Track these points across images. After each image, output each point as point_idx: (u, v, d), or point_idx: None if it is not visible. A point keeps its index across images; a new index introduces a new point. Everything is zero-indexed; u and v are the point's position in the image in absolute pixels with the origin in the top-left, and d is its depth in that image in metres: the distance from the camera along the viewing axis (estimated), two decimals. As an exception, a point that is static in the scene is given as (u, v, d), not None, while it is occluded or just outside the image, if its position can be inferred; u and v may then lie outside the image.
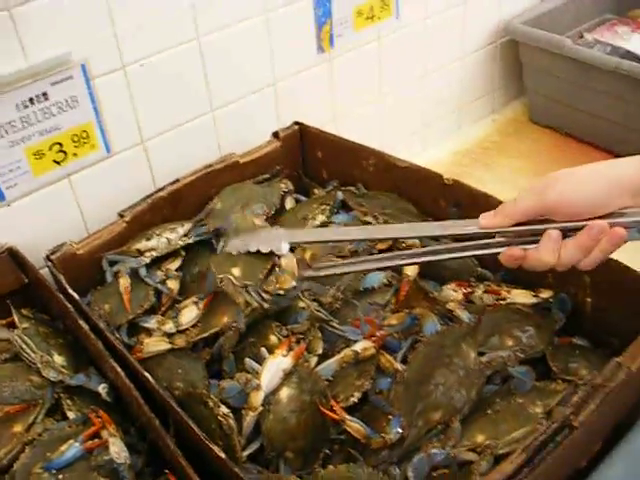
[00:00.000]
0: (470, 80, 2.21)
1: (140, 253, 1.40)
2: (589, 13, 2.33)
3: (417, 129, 2.14)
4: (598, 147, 2.11)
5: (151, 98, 1.48)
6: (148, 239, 1.41)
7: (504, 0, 2.14)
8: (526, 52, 2.18)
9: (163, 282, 1.38)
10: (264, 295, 1.23)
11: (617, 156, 1.98)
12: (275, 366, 1.11)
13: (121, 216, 1.44)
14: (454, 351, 1.14)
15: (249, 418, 1.08)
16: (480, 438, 1.05)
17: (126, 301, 1.33)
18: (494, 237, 0.94)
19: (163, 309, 1.34)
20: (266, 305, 1.22)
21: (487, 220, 0.92)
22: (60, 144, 1.37)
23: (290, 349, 1.14)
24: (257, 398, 1.09)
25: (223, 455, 0.97)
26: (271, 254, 1.20)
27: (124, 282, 1.35)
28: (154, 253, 1.41)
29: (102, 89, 1.39)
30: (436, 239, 1.32)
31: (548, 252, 0.87)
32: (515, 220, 0.91)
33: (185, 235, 1.45)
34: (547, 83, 2.18)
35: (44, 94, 1.31)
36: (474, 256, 0.95)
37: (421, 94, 2.09)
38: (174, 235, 1.43)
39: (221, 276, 1.27)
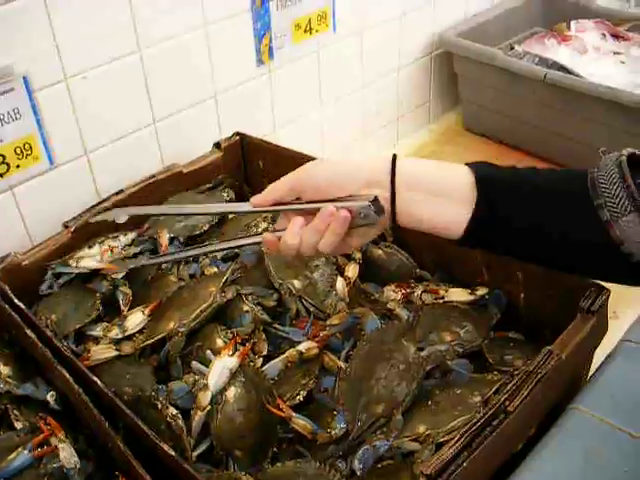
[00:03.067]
0: (407, 91, 2.28)
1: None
2: (519, 26, 2.43)
3: (357, 138, 2.19)
4: (529, 153, 2.20)
5: (94, 110, 1.49)
6: (90, 247, 1.42)
7: (438, 13, 2.22)
8: (460, 63, 2.26)
9: (111, 291, 1.39)
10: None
11: (547, 161, 2.09)
12: (221, 366, 1.13)
13: (66, 227, 1.45)
14: (394, 347, 1.18)
15: (197, 418, 1.10)
16: (422, 428, 1.09)
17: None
18: None
19: (124, 313, 1.34)
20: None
21: (255, 198, 0.99)
22: (3, 156, 1.37)
23: (236, 350, 1.16)
24: (205, 398, 1.11)
25: (173, 453, 0.99)
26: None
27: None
28: (95, 263, 1.41)
29: (45, 101, 1.40)
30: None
31: (292, 235, 0.96)
32: (276, 195, 0.98)
33: (129, 245, 1.47)
34: (480, 93, 2.26)
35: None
36: (249, 244, 1.07)
37: (360, 105, 2.14)
38: (116, 243, 1.44)
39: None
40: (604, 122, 1.93)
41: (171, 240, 1.49)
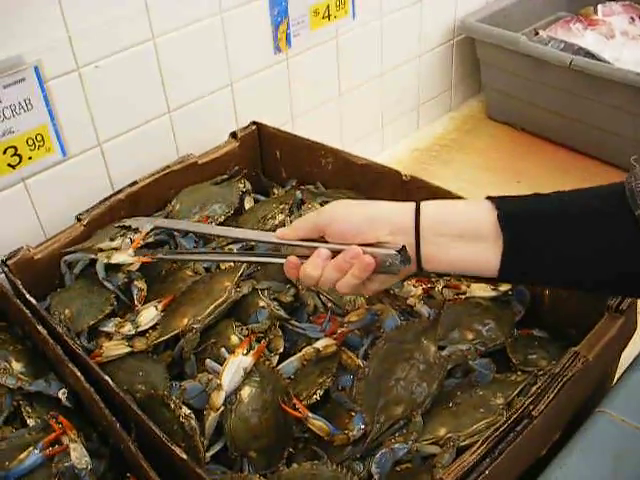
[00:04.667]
0: (428, 78, 2.23)
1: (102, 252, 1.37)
2: (543, 11, 2.37)
3: (376, 127, 2.15)
4: (553, 142, 2.15)
5: (107, 100, 1.47)
6: (112, 239, 1.38)
7: (459, -2, 2.17)
8: (482, 49, 2.21)
9: (126, 284, 1.36)
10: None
11: (572, 150, 2.04)
12: (236, 365, 1.10)
13: (79, 219, 1.42)
14: (414, 346, 1.15)
15: (211, 418, 1.08)
16: (442, 431, 1.06)
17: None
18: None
19: (137, 308, 1.31)
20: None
21: (281, 232, 0.99)
22: (15, 147, 1.35)
23: (250, 348, 1.14)
24: (218, 398, 1.08)
25: (185, 456, 0.97)
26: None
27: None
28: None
29: (57, 91, 1.37)
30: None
31: (314, 267, 0.95)
32: (300, 234, 0.98)
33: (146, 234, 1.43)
34: (503, 80, 2.21)
35: (-5, 96, 1.29)
36: (271, 263, 1.05)
37: (379, 93, 2.10)
38: (137, 235, 1.40)
39: None
40: (632, 111, 1.87)
41: (185, 233, 1.46)
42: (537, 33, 2.17)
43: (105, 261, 1.35)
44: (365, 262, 0.91)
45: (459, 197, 1.28)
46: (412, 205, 0.93)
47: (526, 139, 2.20)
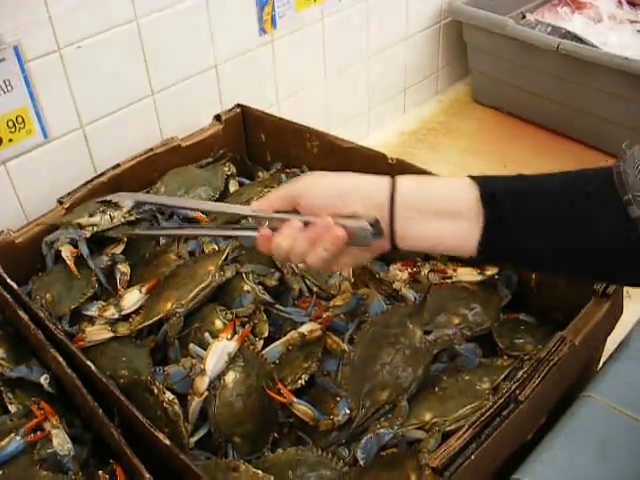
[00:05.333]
0: (414, 61, 2.21)
1: (81, 227, 1.35)
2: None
3: (362, 111, 2.14)
4: (539, 126, 2.14)
5: (89, 81, 1.44)
6: (91, 215, 1.35)
7: (447, -20, 2.15)
8: (469, 32, 2.20)
9: (111, 267, 1.35)
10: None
11: (559, 134, 2.04)
12: (220, 350, 1.09)
13: (60, 203, 1.40)
14: (400, 330, 1.14)
15: (195, 403, 1.07)
16: (428, 416, 1.05)
17: (72, 268, 1.30)
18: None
19: (121, 292, 1.29)
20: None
21: (256, 203, 0.96)
22: (-6, 130, 1.33)
23: (235, 332, 1.12)
24: (202, 383, 1.07)
25: (168, 442, 0.96)
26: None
27: (66, 250, 1.31)
28: (95, 228, 1.35)
29: (37, 72, 1.35)
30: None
31: (284, 237, 0.91)
32: (274, 205, 0.94)
33: (128, 212, 1.42)
34: (490, 63, 2.19)
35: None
36: (246, 236, 0.98)
37: (365, 76, 2.08)
38: (117, 212, 1.38)
39: None
40: (619, 94, 1.86)
41: (170, 215, 1.45)
42: (524, 16, 2.14)
43: (87, 235, 1.34)
44: (335, 234, 0.88)
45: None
46: (388, 179, 0.90)
47: (512, 123, 2.19)
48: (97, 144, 1.51)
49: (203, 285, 1.25)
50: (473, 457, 0.90)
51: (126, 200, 1.08)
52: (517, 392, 0.97)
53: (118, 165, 1.47)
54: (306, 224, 0.91)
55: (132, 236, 1.28)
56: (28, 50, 1.32)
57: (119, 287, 1.31)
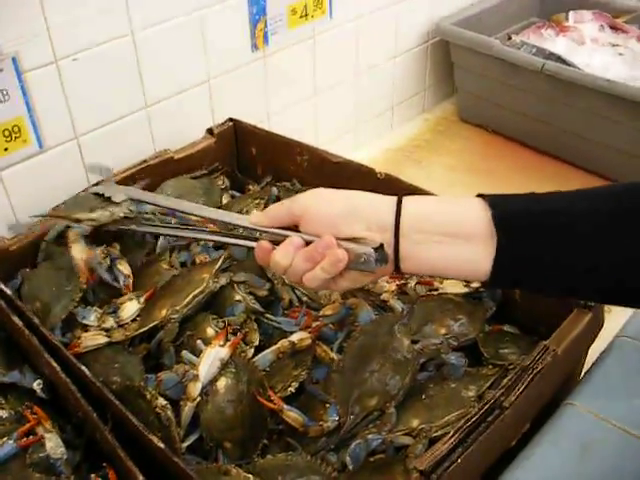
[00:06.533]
0: (402, 79, 2.26)
1: (79, 222, 1.30)
2: (516, 16, 2.42)
3: (350, 127, 2.18)
4: (524, 144, 2.18)
5: (85, 93, 1.47)
6: (92, 210, 1.28)
7: (435, 2, 2.20)
8: (456, 52, 2.25)
9: (108, 267, 1.34)
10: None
11: (543, 154, 2.08)
12: (212, 356, 1.11)
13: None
14: (388, 339, 1.17)
15: (187, 409, 1.09)
16: (415, 422, 1.08)
17: (84, 270, 1.29)
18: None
19: (119, 301, 1.30)
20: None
21: (255, 217, 0.96)
22: (-10, 139, 1.35)
23: (227, 340, 1.15)
24: (195, 388, 1.09)
25: (162, 445, 0.98)
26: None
27: (80, 249, 1.30)
28: (94, 223, 1.35)
29: (34, 83, 1.37)
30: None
31: (284, 254, 0.90)
32: (272, 221, 0.94)
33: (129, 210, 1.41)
34: (476, 83, 2.25)
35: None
36: (244, 246, 1.00)
37: (354, 93, 2.12)
38: (117, 209, 1.38)
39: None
40: (602, 114, 1.91)
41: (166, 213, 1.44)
42: (510, 38, 2.20)
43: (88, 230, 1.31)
44: (337, 256, 0.85)
45: (432, 194, 1.30)
46: (393, 199, 0.87)
47: (498, 141, 2.23)
48: (91, 155, 1.54)
49: (197, 291, 1.27)
50: (459, 461, 0.93)
51: (118, 193, 1.08)
52: (502, 399, 1.00)
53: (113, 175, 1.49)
54: (307, 242, 0.90)
55: (131, 231, 1.26)
56: (25, 61, 1.34)
57: (124, 290, 1.32)
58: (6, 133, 1.37)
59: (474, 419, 0.98)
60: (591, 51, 2.16)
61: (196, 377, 1.09)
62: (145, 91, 1.58)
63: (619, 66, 2.10)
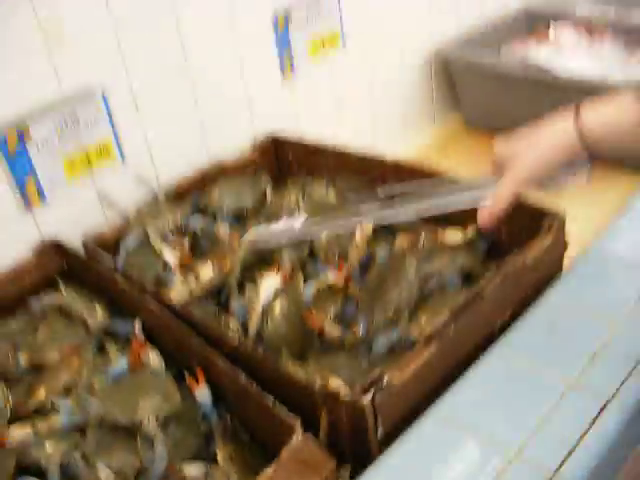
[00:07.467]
0: (410, 96, 2.58)
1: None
2: (508, 33, 2.71)
3: (367, 142, 2.44)
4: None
5: (153, 114, 1.85)
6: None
7: (433, 28, 2.56)
8: (457, 71, 2.57)
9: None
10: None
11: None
12: (269, 282, 1.47)
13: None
14: (400, 265, 1.51)
15: (254, 317, 1.43)
16: (423, 319, 1.41)
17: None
18: None
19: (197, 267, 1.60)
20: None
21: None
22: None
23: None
24: (257, 309, 1.45)
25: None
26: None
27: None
28: None
29: (118, 113, 1.77)
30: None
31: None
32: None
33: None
34: (477, 97, 2.55)
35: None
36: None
37: (369, 112, 2.46)
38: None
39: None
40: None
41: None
42: (501, 53, 2.54)
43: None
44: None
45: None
46: (570, 123, 1.15)
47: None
48: (159, 165, 1.91)
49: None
50: (451, 334, 1.28)
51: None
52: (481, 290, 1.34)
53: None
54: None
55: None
56: (110, 94, 1.75)
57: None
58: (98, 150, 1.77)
59: (462, 304, 1.31)
60: (571, 56, 2.45)
61: (256, 300, 1.44)
62: (200, 111, 1.96)
63: (596, 70, 2.36)
